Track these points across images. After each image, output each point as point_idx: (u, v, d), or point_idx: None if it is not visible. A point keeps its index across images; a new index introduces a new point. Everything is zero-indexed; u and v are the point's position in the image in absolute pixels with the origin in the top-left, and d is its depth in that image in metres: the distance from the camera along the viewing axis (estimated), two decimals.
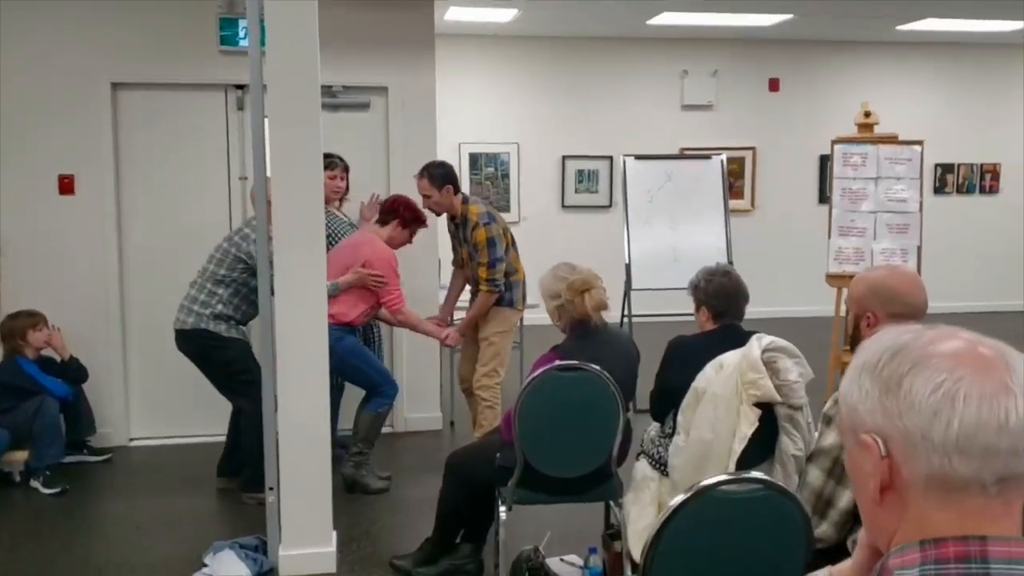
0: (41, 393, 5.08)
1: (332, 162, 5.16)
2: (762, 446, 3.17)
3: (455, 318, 5.52)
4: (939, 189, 10.60)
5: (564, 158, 10.02)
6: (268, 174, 3.85)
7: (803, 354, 3.22)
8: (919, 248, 6.68)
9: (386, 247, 4.85)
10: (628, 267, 6.54)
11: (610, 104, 9.97)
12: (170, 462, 5.45)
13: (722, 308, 3.45)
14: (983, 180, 10.81)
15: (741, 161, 10.16)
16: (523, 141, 9.98)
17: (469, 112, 9.61)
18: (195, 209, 5.76)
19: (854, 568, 1.27)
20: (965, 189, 10.76)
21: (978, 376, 1.03)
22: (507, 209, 10.10)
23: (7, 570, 4.01)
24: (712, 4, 8.11)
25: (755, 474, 2.10)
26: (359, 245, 4.86)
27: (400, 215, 4.90)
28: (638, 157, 6.81)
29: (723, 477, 2.06)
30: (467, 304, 5.29)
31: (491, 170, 10.09)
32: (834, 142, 6.91)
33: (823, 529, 2.31)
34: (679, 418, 3.27)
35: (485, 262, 4.85)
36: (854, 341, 2.65)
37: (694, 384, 3.22)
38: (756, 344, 3.14)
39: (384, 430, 5.97)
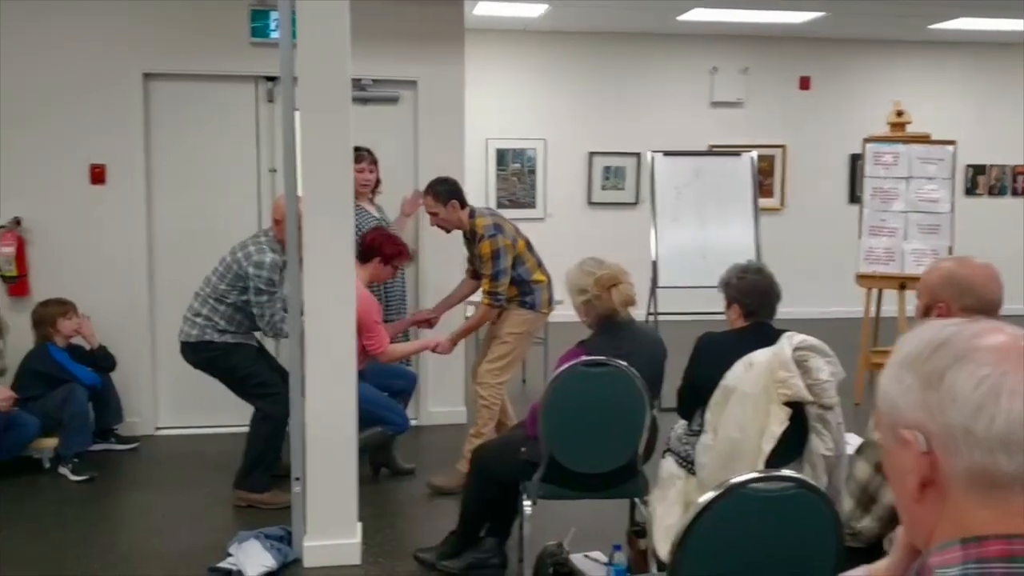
0: (70, 381, 5.13)
1: (359, 155, 5.16)
2: (791, 446, 3.14)
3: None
4: (970, 190, 10.48)
5: (591, 154, 9.98)
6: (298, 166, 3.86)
7: None
8: (950, 249, 6.59)
9: (365, 296, 4.71)
10: (655, 264, 6.50)
11: (638, 100, 9.92)
12: (196, 452, 5.49)
13: (754, 306, 3.41)
14: (1015, 182, 10.67)
15: (771, 159, 10.08)
16: (550, 137, 9.95)
17: (496, 107, 9.60)
18: (224, 201, 5.79)
19: (891, 567, 1.25)
20: (997, 191, 10.62)
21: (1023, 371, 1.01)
22: (532, 205, 10.10)
23: (35, 555, 4.05)
24: (743, 1, 8.04)
25: (786, 472, 2.07)
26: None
27: (381, 252, 4.80)
28: (667, 153, 6.77)
29: (753, 475, 2.04)
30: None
31: (517, 166, 10.07)
32: (866, 141, 6.84)
33: (865, 523, 2.28)
34: (707, 416, 3.24)
35: (488, 274, 4.76)
36: None
37: (723, 382, 3.19)
38: (787, 342, 3.11)
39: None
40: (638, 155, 9.92)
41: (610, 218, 10.03)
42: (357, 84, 5.55)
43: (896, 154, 6.76)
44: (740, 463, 3.13)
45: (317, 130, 3.81)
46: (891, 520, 2.29)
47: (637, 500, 3.50)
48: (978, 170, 10.49)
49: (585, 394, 3.24)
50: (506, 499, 3.69)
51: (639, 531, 3.60)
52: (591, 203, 10.09)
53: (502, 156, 9.98)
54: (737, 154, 6.89)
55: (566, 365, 3.23)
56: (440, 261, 5.85)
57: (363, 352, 4.74)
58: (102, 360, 5.37)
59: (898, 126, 6.89)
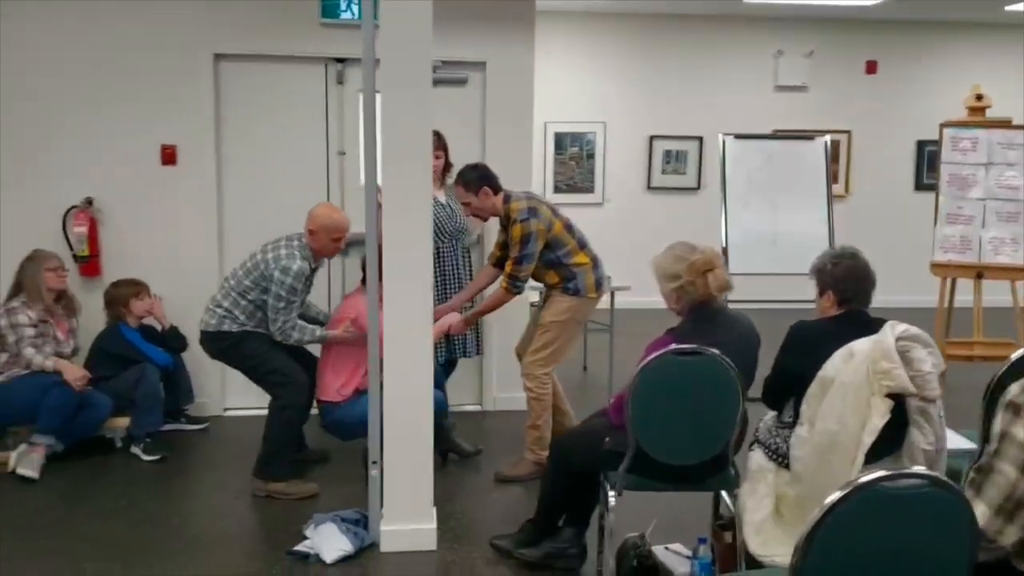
0: (142, 361, 5.15)
1: None
2: (890, 439, 3.03)
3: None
4: None
5: (651, 138, 9.85)
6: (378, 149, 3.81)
7: None
8: None
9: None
10: (725, 250, 6.38)
11: (701, 84, 9.76)
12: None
13: (850, 293, 3.30)
14: None
15: (835, 145, 9.85)
16: (610, 120, 9.83)
17: (555, 90, 9.47)
18: (293, 183, 5.78)
19: None
20: None
21: None
22: (591, 190, 10.00)
23: (111, 534, 4.07)
24: None
25: (918, 469, 1.97)
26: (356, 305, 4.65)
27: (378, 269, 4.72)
28: (738, 136, 6.62)
29: (882, 472, 1.94)
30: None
31: (576, 150, 9.97)
32: (943, 126, 6.65)
33: (1009, 533, 2.16)
34: (802, 408, 3.14)
35: (514, 256, 4.63)
36: None
37: (820, 373, 3.09)
38: (890, 331, 3.00)
39: (473, 408, 6.04)
40: (700, 139, 9.77)
41: (670, 203, 9.90)
42: None
43: (975, 139, 6.56)
44: (837, 457, 3.04)
45: (398, 113, 3.75)
46: None
47: (724, 493, 3.41)
48: None
49: (676, 383, 3.15)
50: (586, 489, 3.62)
51: (725, 524, 3.51)
52: (651, 188, 9.97)
53: (560, 140, 9.88)
54: (810, 138, 6.72)
55: (656, 353, 3.15)
56: None
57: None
58: (173, 341, 5.39)
59: (977, 111, 6.68)
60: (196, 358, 5.55)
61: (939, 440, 3.05)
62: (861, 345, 3.02)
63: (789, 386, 3.35)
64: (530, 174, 5.96)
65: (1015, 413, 2.22)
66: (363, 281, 4.67)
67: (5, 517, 4.26)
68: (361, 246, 5.78)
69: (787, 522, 3.23)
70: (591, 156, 9.95)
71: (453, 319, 4.82)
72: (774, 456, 3.35)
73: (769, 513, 3.23)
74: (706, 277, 3.22)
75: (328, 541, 3.84)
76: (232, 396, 5.85)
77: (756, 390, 3.39)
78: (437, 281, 5.14)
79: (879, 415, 2.95)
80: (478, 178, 4.73)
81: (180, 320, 5.44)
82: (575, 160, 9.98)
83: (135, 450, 5.06)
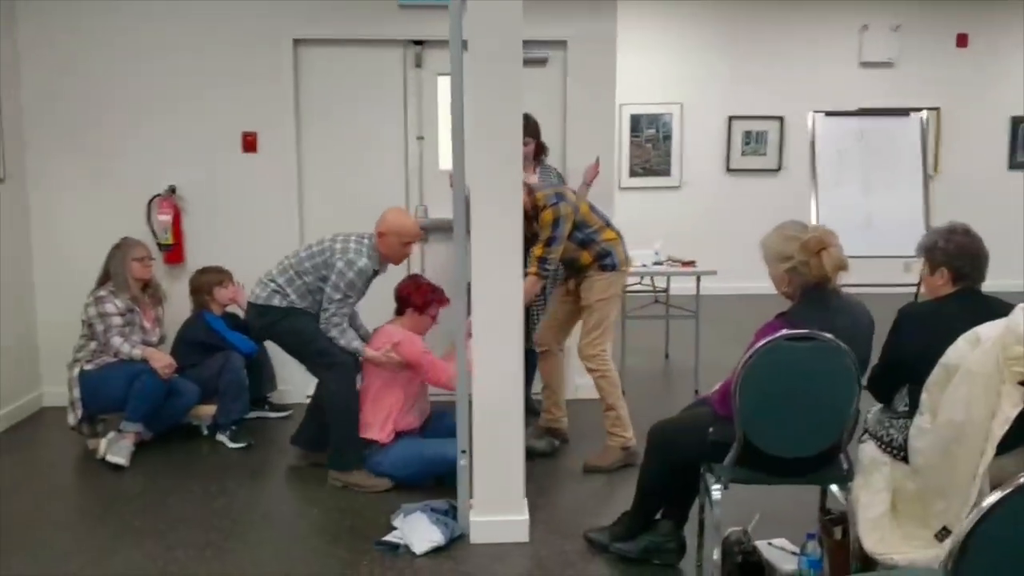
0: (226, 349, 5.15)
1: None
2: (1016, 431, 2.83)
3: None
4: None
5: (731, 118, 9.59)
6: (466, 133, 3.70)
7: None
8: None
9: (404, 335, 4.47)
10: None
11: (782, 61, 9.47)
12: None
13: (966, 268, 3.15)
14: None
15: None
16: (687, 101, 9.62)
17: (630, 71, 9.24)
18: (373, 168, 5.73)
19: None
20: None
21: None
22: (668, 173, 9.80)
23: (198, 519, 4.05)
24: None
25: None
26: (392, 335, 4.52)
27: (411, 303, 4.56)
28: (828, 114, 6.38)
29: None
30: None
31: (652, 131, 9.77)
32: None
33: None
34: (923, 396, 2.95)
35: (544, 238, 4.57)
36: None
37: (943, 360, 2.90)
38: (1021, 314, 2.79)
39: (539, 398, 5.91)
40: (781, 119, 9.49)
41: (750, 185, 9.65)
42: None
43: None
44: (963, 449, 2.85)
45: (487, 97, 3.62)
46: None
47: (836, 487, 3.23)
48: None
49: (788, 371, 2.98)
50: (686, 480, 3.48)
51: (835, 519, 3.33)
52: (730, 170, 9.72)
53: (636, 122, 9.70)
54: (905, 114, 6.44)
55: (766, 339, 2.98)
56: None
57: (412, 406, 4.55)
58: None
59: None
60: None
61: None
62: (989, 329, 2.83)
63: (903, 374, 3.17)
64: (613, 157, 5.80)
65: None
66: (397, 312, 4.61)
67: (97, 502, 4.29)
68: (440, 232, 5.73)
69: (905, 518, 3.05)
70: (668, 138, 9.74)
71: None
72: (887, 448, 3.17)
73: (886, 509, 3.05)
74: (820, 256, 3.03)
75: (418, 532, 3.76)
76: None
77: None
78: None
79: (1011, 404, 2.75)
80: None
81: None
82: (651, 142, 9.78)
83: (221, 437, 5.06)
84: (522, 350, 3.79)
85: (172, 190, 5.58)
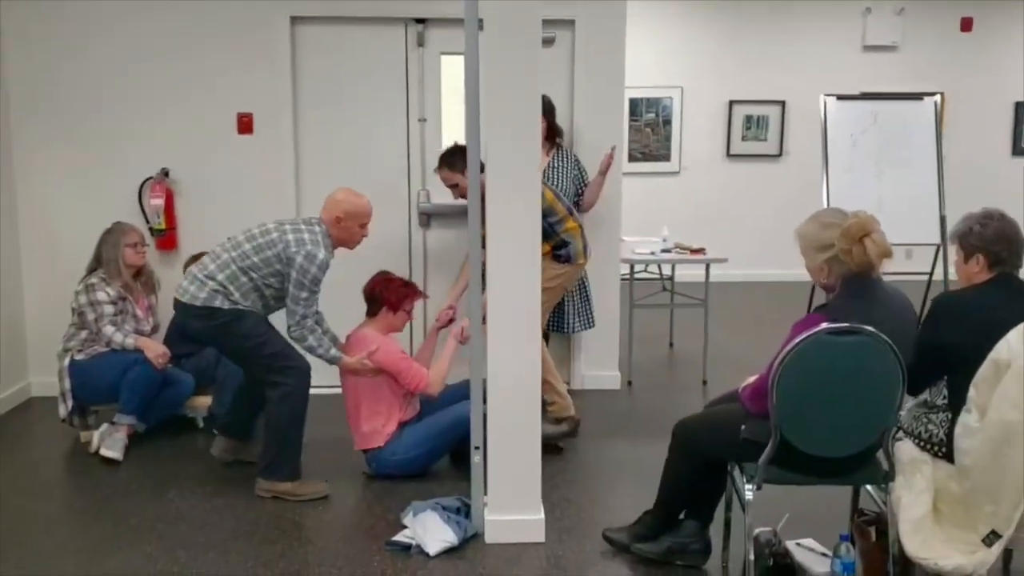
0: None
1: None
2: None
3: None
4: None
5: (731, 103, 9.43)
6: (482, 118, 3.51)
7: None
8: None
9: (382, 340, 4.27)
10: None
11: (784, 45, 9.32)
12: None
13: (1004, 253, 3.03)
14: None
15: None
16: (687, 85, 9.45)
17: (630, 53, 9.01)
18: (373, 151, 5.54)
19: None
20: None
21: None
22: (667, 158, 9.64)
23: (198, 517, 3.89)
24: None
25: None
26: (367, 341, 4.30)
27: (383, 300, 4.31)
28: (840, 97, 6.22)
29: None
30: None
31: (651, 116, 9.60)
32: None
33: None
34: (971, 393, 2.82)
35: None
36: None
37: (993, 355, 2.76)
38: None
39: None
40: (782, 103, 9.35)
41: (750, 171, 9.51)
42: None
43: None
44: (1015, 449, 2.72)
45: (504, 77, 3.44)
46: None
47: (871, 487, 3.09)
48: None
49: (829, 367, 2.82)
50: (712, 479, 3.33)
51: (870, 520, 3.19)
52: (730, 155, 9.57)
53: (635, 105, 9.52)
54: (919, 98, 6.29)
55: (805, 334, 2.82)
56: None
57: (407, 398, 4.39)
58: None
59: None
60: None
61: None
62: None
63: (936, 365, 3.04)
64: (623, 139, 5.64)
65: None
66: (368, 314, 4.38)
67: (92, 499, 4.11)
68: (442, 218, 5.55)
69: (947, 521, 2.92)
70: (667, 122, 9.57)
71: (455, 329, 4.49)
72: (927, 445, 3.03)
73: (927, 510, 2.92)
74: (863, 244, 2.86)
75: (430, 532, 3.60)
76: (313, 374, 5.62)
77: None
78: None
79: None
80: (464, 159, 4.44)
81: None
82: (650, 127, 9.61)
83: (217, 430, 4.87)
84: (540, 338, 3.63)
85: (165, 173, 5.37)
